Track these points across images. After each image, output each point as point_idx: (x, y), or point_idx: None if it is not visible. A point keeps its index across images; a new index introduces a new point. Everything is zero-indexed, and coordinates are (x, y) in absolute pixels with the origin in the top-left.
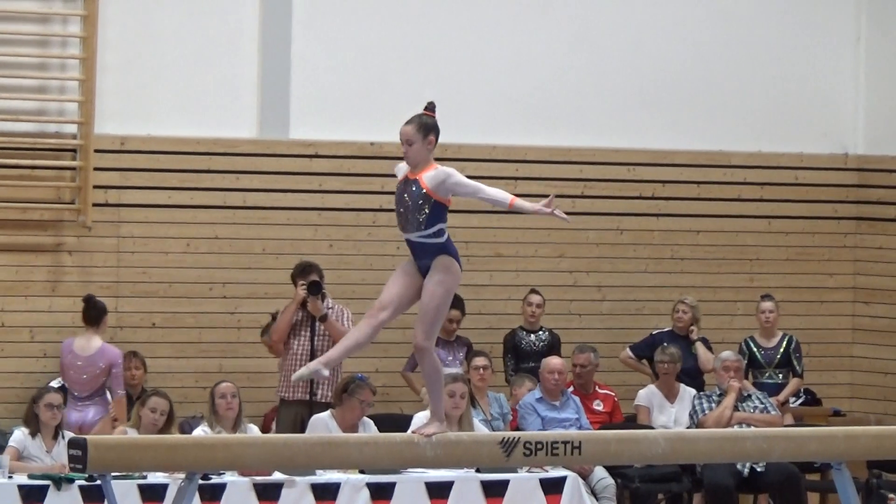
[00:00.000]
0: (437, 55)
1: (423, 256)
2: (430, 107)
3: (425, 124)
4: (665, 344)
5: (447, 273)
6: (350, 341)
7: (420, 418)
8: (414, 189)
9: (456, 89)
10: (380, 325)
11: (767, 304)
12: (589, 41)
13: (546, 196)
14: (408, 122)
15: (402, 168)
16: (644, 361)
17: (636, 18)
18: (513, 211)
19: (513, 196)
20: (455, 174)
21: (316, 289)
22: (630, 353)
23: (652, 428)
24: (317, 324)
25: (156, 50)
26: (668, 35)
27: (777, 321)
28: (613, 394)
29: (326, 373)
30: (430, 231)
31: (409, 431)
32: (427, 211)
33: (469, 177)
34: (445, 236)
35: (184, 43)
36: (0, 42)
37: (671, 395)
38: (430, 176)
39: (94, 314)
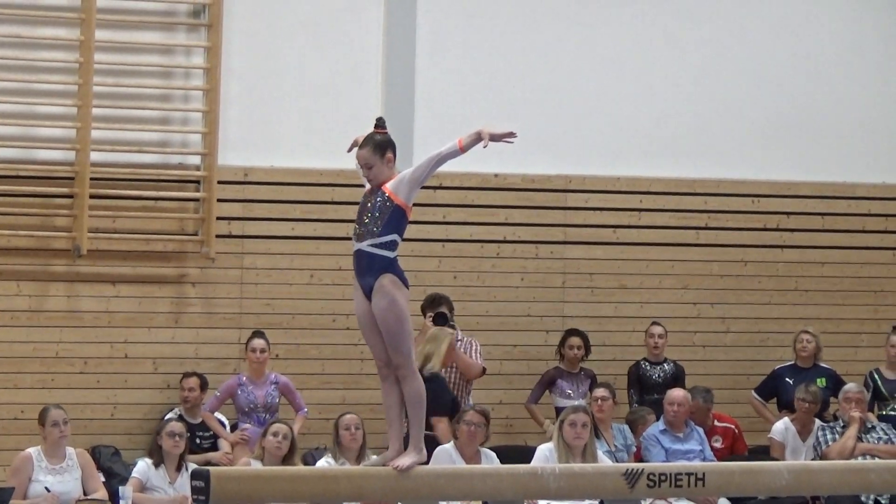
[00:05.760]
0: (561, 87)
1: (368, 272)
2: (380, 123)
3: (380, 144)
4: (807, 382)
5: (393, 293)
6: (395, 412)
7: (543, 450)
8: (377, 197)
9: (580, 121)
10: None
11: None
12: (713, 73)
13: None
14: (362, 146)
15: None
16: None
17: (760, 50)
18: (465, 150)
19: (459, 139)
20: (411, 168)
21: (442, 320)
22: (756, 396)
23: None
24: None
25: (279, 81)
26: (791, 67)
27: None
28: (734, 425)
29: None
30: (384, 240)
31: (384, 464)
32: (386, 217)
33: (593, 208)
34: (395, 253)
35: (307, 74)
36: (124, 73)
37: (805, 432)
38: (392, 182)
39: None
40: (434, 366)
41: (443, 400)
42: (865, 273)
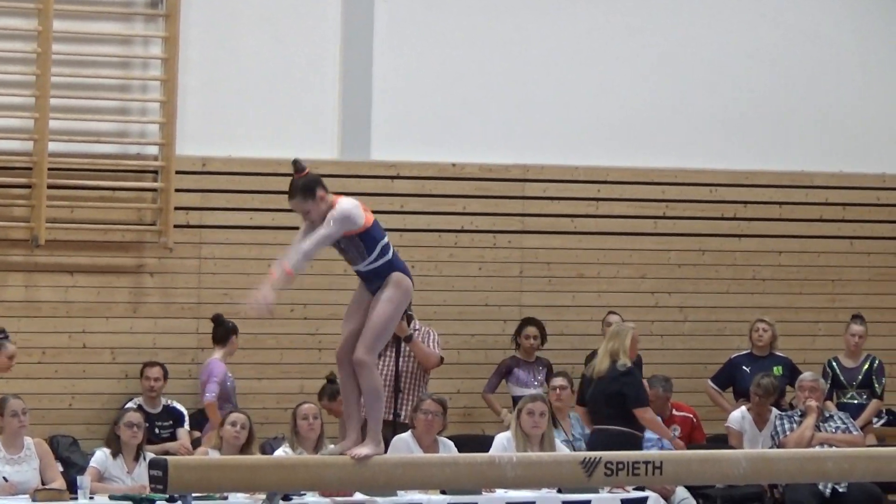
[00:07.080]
0: (518, 78)
1: (376, 280)
2: (298, 167)
3: (304, 187)
4: (763, 374)
5: (397, 289)
6: (353, 400)
7: (501, 439)
8: None
9: (538, 111)
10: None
11: (858, 328)
12: (671, 63)
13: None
14: (290, 197)
15: None
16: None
17: (718, 40)
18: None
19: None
20: (324, 225)
21: None
22: (712, 384)
23: None
24: (402, 345)
25: (237, 71)
26: (749, 56)
27: (863, 343)
28: (692, 415)
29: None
30: (374, 255)
31: (342, 453)
32: (359, 244)
33: (551, 198)
34: (391, 252)
35: (265, 64)
36: (82, 64)
37: (762, 421)
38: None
39: (220, 333)
40: (625, 362)
41: (643, 392)
42: (823, 262)
